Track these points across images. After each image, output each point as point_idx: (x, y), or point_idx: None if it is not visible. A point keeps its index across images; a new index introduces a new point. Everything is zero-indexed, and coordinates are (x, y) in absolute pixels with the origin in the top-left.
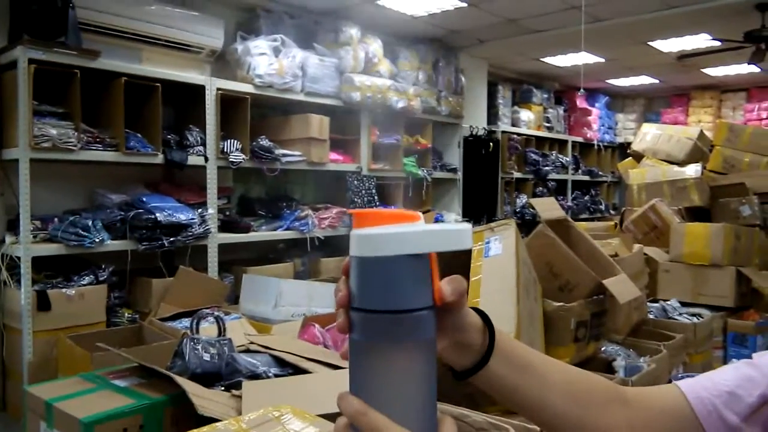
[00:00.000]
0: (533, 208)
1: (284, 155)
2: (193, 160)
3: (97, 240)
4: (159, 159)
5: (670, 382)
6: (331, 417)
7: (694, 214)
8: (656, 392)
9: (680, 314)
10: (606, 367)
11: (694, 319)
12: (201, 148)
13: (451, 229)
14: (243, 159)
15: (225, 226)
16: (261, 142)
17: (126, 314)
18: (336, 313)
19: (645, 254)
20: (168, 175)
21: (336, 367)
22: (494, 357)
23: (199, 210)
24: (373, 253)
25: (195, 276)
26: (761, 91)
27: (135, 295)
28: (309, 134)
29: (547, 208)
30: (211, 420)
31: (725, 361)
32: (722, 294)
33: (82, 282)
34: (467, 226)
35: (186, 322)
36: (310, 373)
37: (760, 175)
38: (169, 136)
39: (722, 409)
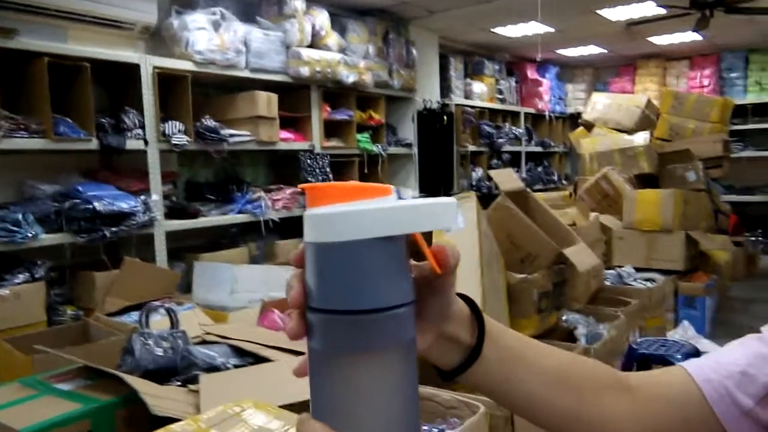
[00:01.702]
0: (490, 179)
1: (231, 135)
2: (132, 144)
3: (29, 235)
4: (93, 144)
5: (629, 348)
6: (296, 407)
7: (643, 181)
8: (662, 378)
9: (635, 280)
10: (567, 336)
11: (648, 284)
12: (140, 131)
13: (432, 204)
14: (187, 141)
15: (172, 213)
16: (205, 123)
17: (69, 312)
18: (288, 315)
19: (600, 222)
20: (105, 161)
21: (298, 354)
22: (484, 351)
23: (143, 197)
24: (335, 237)
25: (142, 267)
26: (703, 59)
27: (77, 290)
28: (256, 112)
29: (506, 179)
30: (168, 420)
31: (676, 323)
32: (673, 258)
33: (15, 281)
34: (451, 200)
35: (135, 316)
36: (272, 361)
37: (704, 141)
38: (103, 120)
39: (734, 391)
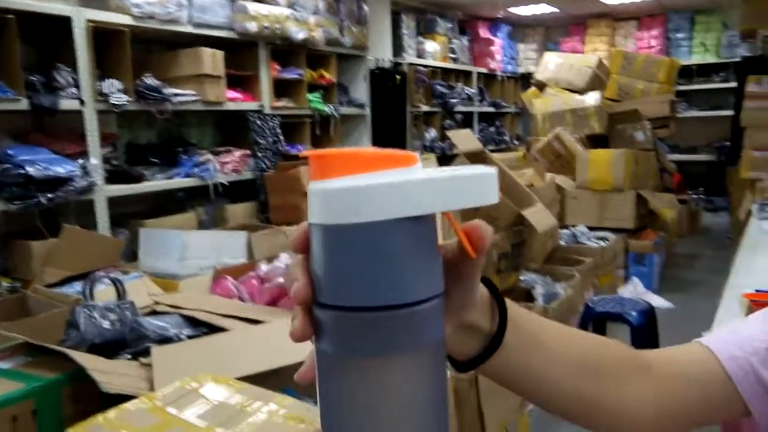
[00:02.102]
0: (444, 140)
1: (175, 95)
2: (66, 104)
3: None
4: (23, 105)
5: (586, 306)
6: (255, 379)
7: (593, 141)
8: (682, 356)
9: (588, 239)
10: (526, 296)
11: (601, 243)
12: (74, 90)
13: (471, 176)
14: (127, 101)
15: (113, 177)
16: (146, 81)
17: (4, 284)
18: (292, 313)
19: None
20: (37, 123)
21: (255, 322)
22: (505, 338)
23: (81, 161)
24: (352, 218)
25: (83, 234)
26: (651, 20)
27: (13, 261)
28: (201, 71)
29: (464, 140)
30: (119, 397)
31: (626, 279)
32: (624, 217)
33: None
34: (491, 170)
35: (78, 286)
36: (227, 330)
37: (652, 101)
38: (33, 78)
39: (760, 368)
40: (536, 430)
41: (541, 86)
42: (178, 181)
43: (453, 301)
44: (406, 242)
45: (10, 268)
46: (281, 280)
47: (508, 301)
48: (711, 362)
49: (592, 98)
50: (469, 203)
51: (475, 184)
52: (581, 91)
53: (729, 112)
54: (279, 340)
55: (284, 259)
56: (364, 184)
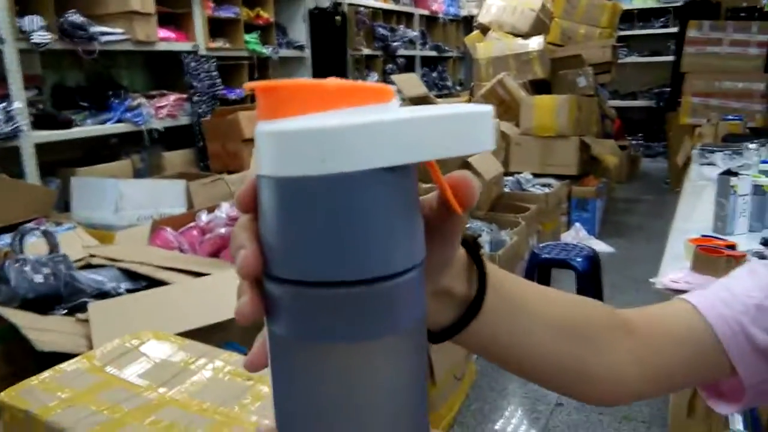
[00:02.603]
0: (392, 84)
1: (102, 33)
2: None
3: None
4: None
5: (532, 253)
6: (198, 334)
7: (536, 87)
8: (667, 314)
9: (533, 186)
10: (472, 244)
11: (545, 189)
12: None
13: (461, 115)
14: (50, 39)
15: (39, 123)
16: (71, 18)
17: None
18: (238, 287)
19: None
20: None
21: (197, 275)
22: (484, 304)
23: (2, 105)
24: (315, 169)
25: (9, 183)
26: None
27: None
28: (130, 7)
29: (410, 85)
30: (56, 356)
31: (569, 225)
32: (567, 163)
33: None
34: (485, 108)
35: (7, 239)
36: (168, 284)
37: (594, 47)
38: None
39: (749, 326)
40: (482, 377)
41: (484, 30)
42: (110, 127)
43: (428, 265)
44: (382, 199)
45: None
46: (223, 230)
47: (490, 266)
48: (697, 321)
49: (535, 43)
50: (462, 150)
51: (468, 126)
52: (524, 36)
53: (669, 58)
54: (222, 293)
55: (225, 208)
56: (330, 125)
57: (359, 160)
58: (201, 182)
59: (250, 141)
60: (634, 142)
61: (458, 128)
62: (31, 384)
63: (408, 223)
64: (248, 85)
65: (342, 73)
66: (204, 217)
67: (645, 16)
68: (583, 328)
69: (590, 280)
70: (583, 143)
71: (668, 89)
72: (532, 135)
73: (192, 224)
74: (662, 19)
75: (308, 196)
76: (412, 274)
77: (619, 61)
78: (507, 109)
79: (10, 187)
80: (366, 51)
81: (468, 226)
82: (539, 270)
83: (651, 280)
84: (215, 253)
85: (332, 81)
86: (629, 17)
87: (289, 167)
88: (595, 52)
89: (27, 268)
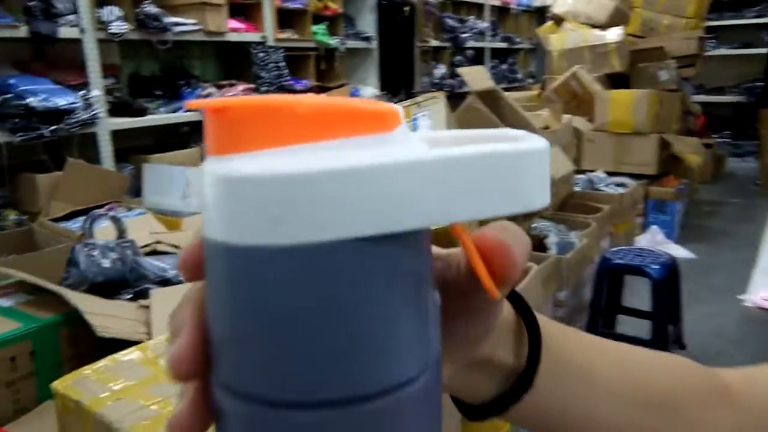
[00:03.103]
0: (453, 77)
1: (176, 24)
2: (66, 32)
3: None
4: (23, 32)
5: (603, 258)
6: None
7: (613, 80)
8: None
9: (606, 185)
10: (538, 246)
11: (619, 189)
12: (74, 17)
13: (499, 155)
14: (127, 29)
15: (116, 110)
16: (146, 9)
17: (12, 216)
18: (180, 391)
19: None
20: (39, 52)
21: None
22: (538, 375)
23: (82, 92)
24: (271, 236)
25: (87, 169)
26: None
27: (19, 193)
28: None
29: (477, 78)
30: (115, 342)
31: (645, 228)
32: (645, 162)
33: None
34: (539, 144)
35: (80, 222)
36: None
37: (678, 38)
38: (31, 3)
39: None
40: None
41: (559, 20)
42: (181, 115)
43: (459, 333)
44: (370, 282)
45: (17, 201)
46: None
47: (542, 322)
48: None
49: (613, 34)
50: (498, 209)
51: (511, 172)
52: (602, 27)
53: (763, 50)
54: None
55: None
56: (303, 170)
57: (331, 224)
58: None
59: None
60: (719, 140)
61: (495, 177)
62: (84, 373)
63: (413, 314)
64: (192, 104)
65: (409, 65)
66: None
67: (735, 5)
68: (665, 396)
69: (666, 289)
70: (663, 141)
71: (761, 84)
72: (606, 131)
73: None
74: (755, 9)
75: (260, 275)
76: (420, 383)
77: (706, 53)
78: (580, 104)
79: (86, 172)
80: (434, 43)
81: (533, 226)
82: (610, 276)
83: (740, 297)
84: None
85: (308, 101)
86: (718, 6)
87: (230, 230)
88: (679, 44)
89: (96, 253)
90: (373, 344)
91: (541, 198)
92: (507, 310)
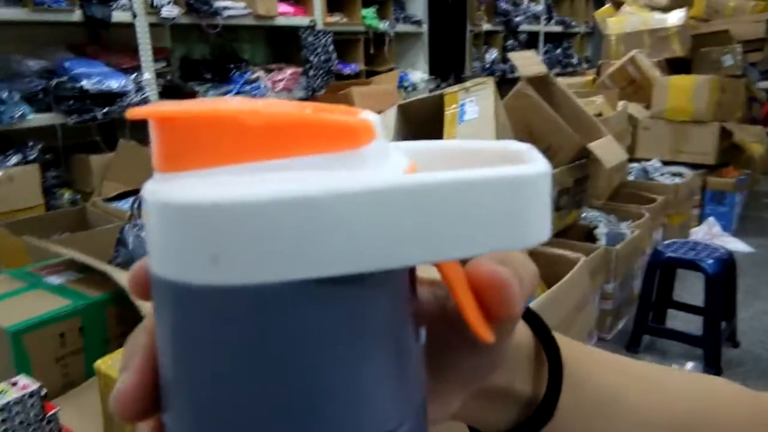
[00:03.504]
0: (505, 62)
1: (226, 8)
2: (119, 16)
3: (17, 114)
4: (77, 16)
5: (655, 251)
6: None
7: (673, 66)
8: None
9: (661, 174)
10: (587, 236)
11: (675, 179)
12: (126, 1)
13: (487, 183)
14: (178, 13)
15: (166, 93)
16: None
17: (66, 195)
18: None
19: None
20: (93, 35)
21: None
22: (560, 403)
23: (134, 75)
24: (209, 275)
25: (138, 150)
26: None
27: (74, 173)
28: None
29: (527, 63)
30: None
31: (701, 220)
32: (704, 151)
33: (8, 163)
34: (538, 167)
35: (130, 202)
36: None
37: (746, 21)
38: None
39: None
40: None
41: (617, 4)
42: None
43: (463, 365)
44: (341, 329)
45: (72, 181)
46: None
47: (564, 345)
48: None
49: (675, 17)
50: (484, 246)
51: (503, 202)
52: (663, 9)
53: None
54: None
55: None
56: (246, 198)
57: (281, 263)
58: None
59: None
60: None
61: (484, 208)
62: None
63: (385, 363)
64: (133, 113)
65: (460, 50)
66: None
67: None
68: (706, 426)
69: (721, 285)
70: (724, 129)
71: None
72: (663, 119)
73: None
74: None
75: (197, 317)
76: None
77: None
78: (637, 90)
79: (137, 154)
80: (486, 26)
81: (583, 216)
82: (662, 270)
83: None
84: None
85: (266, 110)
86: None
87: (165, 263)
88: (746, 27)
89: (143, 233)
90: (337, 401)
91: (539, 233)
92: (524, 333)
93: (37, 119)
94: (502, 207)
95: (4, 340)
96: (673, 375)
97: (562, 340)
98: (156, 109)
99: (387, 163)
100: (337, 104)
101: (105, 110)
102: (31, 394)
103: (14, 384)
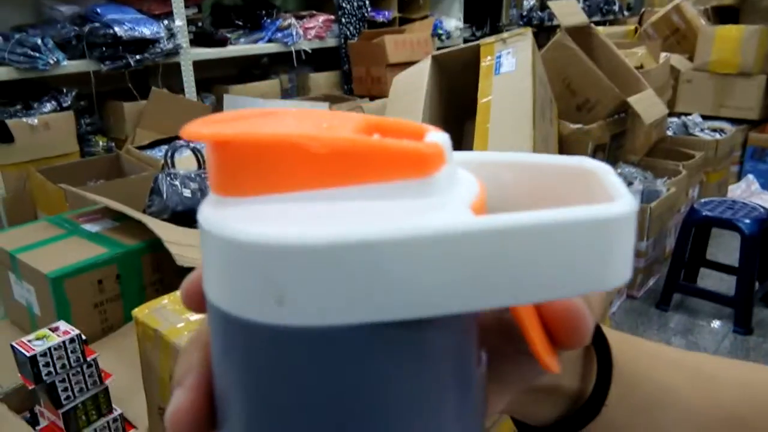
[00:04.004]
0: (543, 9)
1: None
2: None
3: (51, 61)
4: None
5: (691, 209)
6: None
7: (720, 15)
8: None
9: (701, 130)
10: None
11: (716, 135)
12: None
13: (571, 226)
14: None
15: (198, 40)
16: None
17: (101, 142)
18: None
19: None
20: None
21: None
22: (609, 398)
23: (166, 22)
24: (274, 315)
25: (170, 98)
26: None
27: (108, 121)
28: None
29: (567, 11)
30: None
31: (740, 177)
32: (748, 106)
33: (44, 109)
34: (623, 208)
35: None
36: None
37: None
38: None
39: None
40: None
41: None
42: (261, 46)
43: (513, 373)
44: (406, 370)
45: (106, 128)
46: None
47: (613, 338)
48: None
49: None
50: (564, 292)
51: (583, 245)
52: None
53: None
54: None
55: None
56: (316, 240)
57: (349, 305)
58: (341, 106)
59: (396, 66)
60: None
61: (562, 252)
62: (162, 302)
63: (448, 403)
64: (188, 133)
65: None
66: None
67: None
68: (762, 418)
69: (757, 245)
70: None
71: None
72: (707, 71)
73: None
74: None
75: (259, 355)
76: None
77: None
78: (681, 39)
79: (170, 101)
80: None
81: (618, 172)
82: (697, 228)
83: None
84: None
85: (328, 136)
86: None
87: (225, 297)
88: None
89: (177, 182)
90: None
91: (622, 274)
92: None
93: (71, 66)
94: (585, 250)
95: (46, 286)
96: (727, 366)
97: (611, 335)
98: (215, 133)
99: (457, 189)
100: (400, 120)
101: (138, 57)
102: (72, 340)
103: (55, 330)
